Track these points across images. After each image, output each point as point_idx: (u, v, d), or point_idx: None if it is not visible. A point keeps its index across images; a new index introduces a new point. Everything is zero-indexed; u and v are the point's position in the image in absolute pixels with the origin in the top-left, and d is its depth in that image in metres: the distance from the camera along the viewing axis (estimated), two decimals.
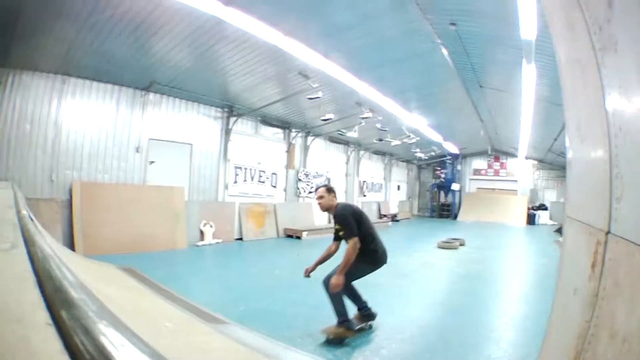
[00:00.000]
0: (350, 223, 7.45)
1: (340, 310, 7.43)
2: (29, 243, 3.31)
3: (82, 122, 15.72)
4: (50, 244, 3.96)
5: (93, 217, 15.04)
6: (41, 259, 2.91)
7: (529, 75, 15.03)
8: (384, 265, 8.03)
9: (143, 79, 16.78)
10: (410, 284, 12.73)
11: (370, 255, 7.72)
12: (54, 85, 14.72)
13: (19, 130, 14.20)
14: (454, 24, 13.41)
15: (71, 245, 14.17)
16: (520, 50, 12.96)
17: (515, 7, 10.21)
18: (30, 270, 2.59)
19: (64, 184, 15.12)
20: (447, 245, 20.23)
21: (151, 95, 17.92)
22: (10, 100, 13.95)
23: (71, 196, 15.00)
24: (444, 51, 15.67)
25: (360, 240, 7.39)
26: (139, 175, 17.61)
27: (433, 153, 36.35)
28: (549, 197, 40.55)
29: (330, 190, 7.86)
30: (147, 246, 15.95)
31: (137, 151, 17.50)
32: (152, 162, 17.80)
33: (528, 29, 11.10)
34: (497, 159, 41.41)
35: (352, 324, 7.59)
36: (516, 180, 41.32)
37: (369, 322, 8.28)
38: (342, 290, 7.41)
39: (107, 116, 16.52)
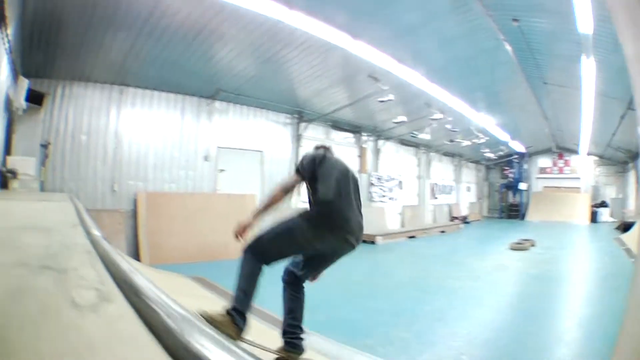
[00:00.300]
0: (299, 162, 4.92)
1: (240, 292, 4.34)
2: (124, 287, 2.64)
3: (145, 132, 15.03)
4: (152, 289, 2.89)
5: (159, 227, 14.31)
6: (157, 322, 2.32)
7: (588, 69, 14.38)
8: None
9: (208, 87, 16.03)
10: (485, 286, 11.82)
11: (313, 211, 4.61)
12: (110, 96, 14.10)
13: (74, 142, 13.49)
14: (516, 20, 12.89)
15: (136, 255, 13.51)
16: (579, 45, 12.46)
17: (571, 1, 9.90)
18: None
19: (127, 195, 14.47)
20: (518, 247, 18.90)
21: (217, 104, 17.08)
22: (62, 111, 13.19)
23: (136, 206, 14.37)
24: (508, 48, 14.99)
25: (309, 187, 4.77)
26: (209, 184, 16.78)
27: (501, 153, 34.55)
28: (609, 193, 38.05)
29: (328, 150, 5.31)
30: (216, 255, 14.66)
31: (206, 160, 16.65)
32: (222, 170, 16.88)
33: (585, 22, 10.80)
34: (560, 156, 39.27)
35: (242, 322, 4.22)
36: (579, 178, 39.00)
37: (288, 355, 4.49)
38: (255, 266, 4.46)
39: (172, 126, 15.82)
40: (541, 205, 38.14)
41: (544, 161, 40.11)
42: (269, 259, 4.49)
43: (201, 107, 16.62)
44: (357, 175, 4.87)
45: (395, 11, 12.08)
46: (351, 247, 4.63)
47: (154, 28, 11.22)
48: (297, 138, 19.92)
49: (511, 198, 41.07)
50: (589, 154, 34.75)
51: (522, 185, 39.32)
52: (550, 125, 28.20)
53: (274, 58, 14.25)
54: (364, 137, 23.90)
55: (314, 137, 20.54)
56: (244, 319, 4.21)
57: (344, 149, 22.65)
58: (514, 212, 40.20)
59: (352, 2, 11.46)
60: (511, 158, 38.15)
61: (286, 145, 19.68)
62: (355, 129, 23.24)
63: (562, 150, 37.71)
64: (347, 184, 4.68)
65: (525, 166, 39.64)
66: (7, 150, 10.79)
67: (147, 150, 15.11)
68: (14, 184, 9.44)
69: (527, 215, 38.41)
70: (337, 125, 22.11)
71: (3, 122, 9.98)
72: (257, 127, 18.73)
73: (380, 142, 25.24)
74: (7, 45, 8.47)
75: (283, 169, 19.07)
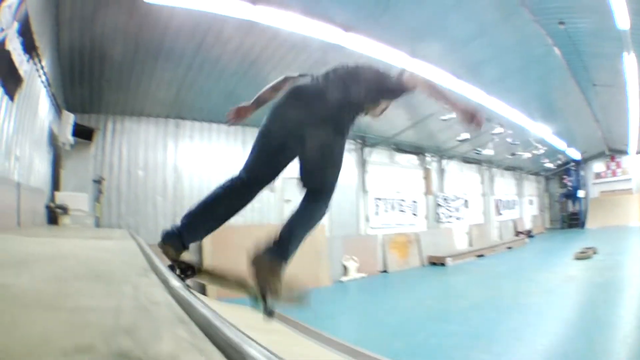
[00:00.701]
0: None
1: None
2: None
3: (206, 165, 14.12)
4: None
5: (226, 260, 12.79)
6: None
7: (630, 65, 13.96)
8: None
9: None
10: (557, 300, 11.22)
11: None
12: (166, 130, 13.52)
13: (130, 177, 12.83)
14: (562, 23, 12.29)
15: (202, 289, 12.28)
16: (620, 42, 12.11)
17: None
18: None
19: None
20: (582, 256, 18.08)
21: None
22: (114, 146, 12.63)
23: (200, 240, 12.14)
24: (557, 52, 14.40)
25: None
26: (275, 215, 15.68)
27: (559, 161, 32.75)
28: None
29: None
30: (287, 286, 12.58)
31: (272, 191, 15.14)
32: (288, 200, 15.65)
33: (622, 17, 10.56)
34: (612, 158, 36.30)
35: (180, 243, 3.25)
36: (630, 179, 35.70)
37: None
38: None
39: (233, 158, 14.59)
40: (599, 211, 35.63)
41: (598, 166, 37.23)
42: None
43: None
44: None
45: (448, 25, 11.55)
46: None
47: (205, 59, 10.59)
48: (362, 163, 18.74)
49: (571, 207, 38.60)
50: (638, 152, 32.60)
51: (580, 193, 36.98)
52: (601, 128, 26.61)
53: None
54: (428, 159, 22.63)
55: (378, 161, 19.55)
56: (180, 241, 3.26)
57: (409, 172, 21.49)
58: (574, 220, 37.74)
59: (407, 19, 10.70)
60: (569, 166, 35.93)
61: (351, 171, 18.42)
62: (418, 150, 22.00)
63: (614, 152, 35.19)
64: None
65: (582, 173, 37.28)
66: (55, 186, 9.98)
67: (209, 184, 13.59)
68: (64, 220, 8.68)
69: (587, 223, 36.00)
70: (401, 148, 20.90)
71: (48, 157, 9.36)
72: None
73: (444, 162, 23.93)
74: (43, 77, 7.80)
75: (350, 196, 18.08)
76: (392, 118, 16.92)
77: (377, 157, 19.42)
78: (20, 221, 5.93)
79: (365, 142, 18.71)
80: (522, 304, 10.43)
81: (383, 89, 3.55)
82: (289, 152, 3.34)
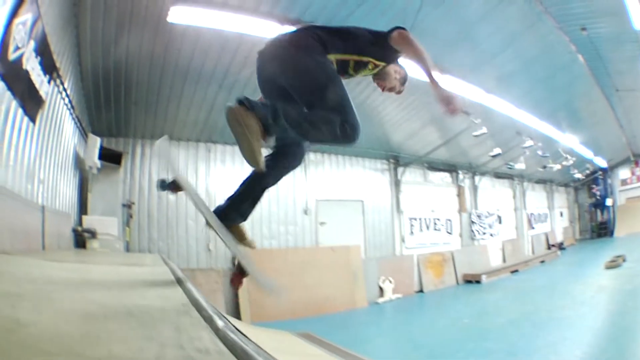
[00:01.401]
0: None
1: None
2: None
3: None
4: None
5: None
6: None
7: None
8: None
9: None
10: (590, 311, 11.03)
11: None
12: (197, 154, 13.28)
13: (161, 202, 12.52)
14: (584, 29, 11.91)
15: (236, 314, 12.56)
16: (638, 44, 12.05)
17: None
18: None
19: (225, 253, 13.18)
20: (612, 265, 17.78)
21: (312, 155, 15.75)
22: (144, 170, 12.37)
23: (234, 265, 11.82)
24: (581, 59, 13.92)
25: None
26: (310, 238, 15.36)
27: (587, 171, 32.05)
28: None
29: None
30: (323, 309, 13.75)
31: (306, 213, 15.26)
32: (323, 223, 15.55)
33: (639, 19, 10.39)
34: (636, 164, 34.88)
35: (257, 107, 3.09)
36: None
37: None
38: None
39: None
40: (626, 218, 34.40)
41: (624, 172, 35.84)
42: None
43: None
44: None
45: (475, 38, 11.33)
46: None
47: (235, 81, 10.22)
48: (396, 183, 18.37)
49: (599, 216, 37.46)
50: None
51: (608, 201, 35.95)
52: (625, 134, 26.03)
53: (366, 103, 13.14)
54: (461, 176, 22.19)
55: (412, 180, 19.21)
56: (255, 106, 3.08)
57: (443, 190, 21.05)
58: (602, 229, 36.66)
59: (435, 34, 10.35)
60: (596, 175, 35.15)
61: (385, 191, 18.14)
62: (451, 168, 21.60)
63: (638, 157, 33.97)
64: None
65: (609, 181, 36.12)
66: (83, 210, 9.76)
67: None
68: (93, 244, 8.37)
69: (616, 231, 34.85)
70: (433, 166, 20.48)
71: (75, 181, 9.13)
72: (354, 176, 17.27)
73: (477, 178, 23.45)
74: (66, 99, 7.56)
75: (385, 217, 17.72)
76: (424, 136, 16.66)
77: (411, 176, 19.07)
78: (46, 244, 5.66)
79: (399, 161, 18.34)
80: (557, 317, 10.31)
81: (367, 40, 3.46)
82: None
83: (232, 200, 3.75)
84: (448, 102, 3.23)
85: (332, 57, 3.29)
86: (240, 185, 3.77)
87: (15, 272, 2.87)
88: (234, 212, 3.70)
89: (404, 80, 4.10)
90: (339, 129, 3.08)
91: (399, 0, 9.02)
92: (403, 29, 3.48)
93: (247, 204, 3.76)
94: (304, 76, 3.13)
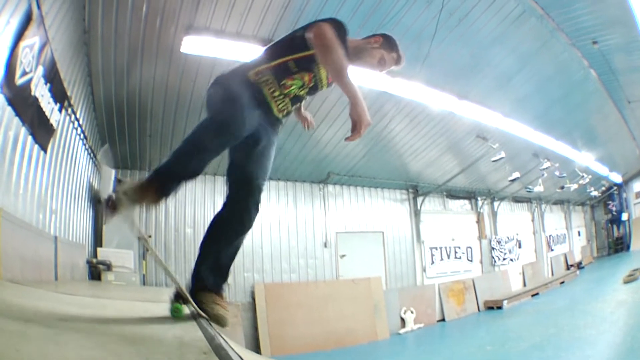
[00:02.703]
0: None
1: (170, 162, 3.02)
2: None
3: (256, 222, 12.44)
4: None
5: (280, 318, 13.16)
6: None
7: None
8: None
9: (319, 172, 14.85)
10: (611, 328, 10.96)
11: None
12: (214, 187, 13.09)
13: (178, 235, 12.37)
14: (595, 42, 11.71)
15: (256, 347, 12.42)
16: None
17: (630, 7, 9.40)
18: None
19: (244, 287, 13.25)
20: (629, 279, 17.77)
21: (330, 187, 15.70)
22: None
23: (253, 298, 13.19)
24: (594, 74, 13.70)
25: None
26: (330, 271, 15.15)
27: (603, 187, 31.92)
28: None
29: None
30: (344, 341, 13.61)
31: (326, 246, 15.03)
32: (343, 255, 15.39)
33: None
34: None
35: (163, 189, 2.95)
36: None
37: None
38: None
39: (285, 214, 14.57)
40: None
41: (638, 185, 35.23)
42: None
43: (314, 192, 15.25)
44: None
45: (490, 61, 11.22)
46: None
47: None
48: (416, 213, 18.21)
49: (616, 232, 36.79)
50: None
51: (624, 216, 35.30)
52: (638, 145, 25.61)
53: (383, 133, 13.19)
54: (480, 202, 21.98)
55: (432, 209, 19.01)
56: (164, 186, 2.96)
57: (462, 217, 20.84)
58: (619, 245, 36.02)
59: (451, 59, 10.39)
60: (612, 191, 34.86)
61: (405, 222, 17.95)
62: (470, 195, 21.41)
63: None
64: None
65: (624, 195, 35.62)
66: (98, 242, 9.66)
67: (262, 241, 13.90)
68: (108, 276, 8.26)
69: (632, 245, 34.15)
70: (452, 194, 20.36)
71: (89, 213, 9.02)
72: (374, 208, 17.07)
73: (496, 203, 23.25)
74: (79, 130, 7.47)
75: (405, 247, 17.53)
76: (442, 164, 16.62)
77: (430, 205, 18.93)
78: (59, 275, 5.54)
79: (418, 191, 18.23)
80: (579, 337, 10.30)
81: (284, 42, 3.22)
82: None
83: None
84: (360, 119, 2.97)
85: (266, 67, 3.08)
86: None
87: (25, 305, 2.63)
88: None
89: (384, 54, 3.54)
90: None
91: (414, 27, 8.91)
92: (326, 21, 3.02)
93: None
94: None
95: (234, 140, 2.98)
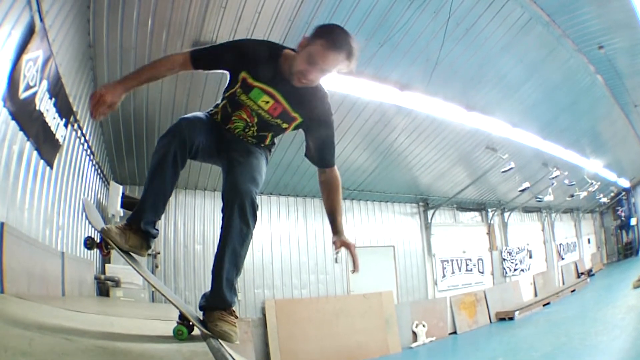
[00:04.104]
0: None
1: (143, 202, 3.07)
2: None
3: (267, 238, 13.77)
4: None
5: (291, 333, 13.07)
6: None
7: None
8: None
9: None
10: (621, 334, 11.15)
11: None
12: None
13: (187, 251, 12.32)
14: (601, 47, 11.71)
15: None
16: None
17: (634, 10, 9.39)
18: None
19: (254, 303, 13.19)
20: (639, 284, 17.84)
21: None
22: (169, 220, 12.30)
23: (264, 315, 13.13)
24: (600, 80, 13.79)
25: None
26: (341, 286, 15.18)
27: (612, 194, 32.00)
28: None
29: None
30: (356, 356, 13.60)
31: (336, 262, 14.89)
32: (354, 271, 13.94)
33: None
34: None
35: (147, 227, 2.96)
36: None
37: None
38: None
39: (295, 230, 14.53)
40: None
41: None
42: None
43: (324, 208, 14.59)
44: None
45: (498, 71, 11.23)
46: None
47: None
48: (427, 227, 18.19)
49: (625, 237, 36.58)
50: None
51: (633, 221, 34.88)
52: None
53: (393, 147, 13.20)
54: (490, 213, 21.90)
55: (442, 222, 19.01)
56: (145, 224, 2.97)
57: (473, 230, 20.78)
58: (628, 250, 35.75)
59: (459, 70, 10.45)
60: (620, 197, 34.75)
61: (416, 235, 17.94)
62: (480, 207, 21.34)
63: None
64: None
65: (632, 200, 35.39)
66: (106, 258, 9.35)
67: (272, 257, 13.83)
68: (116, 293, 8.20)
69: None
70: (463, 206, 20.30)
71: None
72: (384, 222, 17.04)
73: (506, 214, 23.15)
74: (85, 145, 7.40)
75: (417, 261, 17.53)
76: (452, 177, 16.71)
77: (441, 218, 18.92)
78: (66, 291, 5.45)
79: (428, 204, 18.18)
80: (591, 345, 10.44)
81: None
82: None
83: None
84: (350, 244, 3.16)
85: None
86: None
87: (30, 321, 2.54)
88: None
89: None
90: None
91: (421, 39, 8.87)
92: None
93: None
94: None
95: (179, 137, 2.82)
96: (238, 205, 2.70)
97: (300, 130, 3.15)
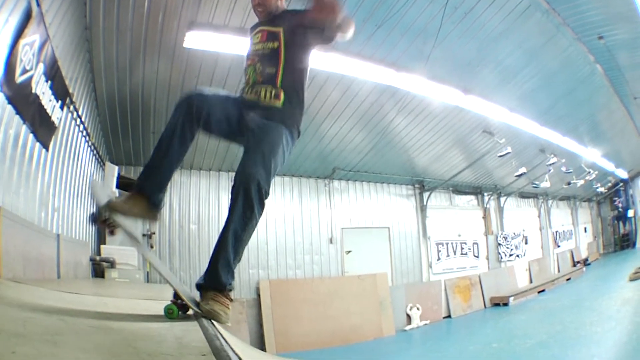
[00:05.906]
0: None
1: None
2: None
3: (262, 218, 12.57)
4: None
5: (285, 314, 13.10)
6: None
7: None
8: None
9: (324, 167, 14.75)
10: (617, 326, 11.15)
11: None
12: (219, 183, 13.07)
13: (182, 231, 12.33)
14: (601, 37, 11.70)
15: (261, 344, 12.39)
16: None
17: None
18: None
19: (249, 284, 13.17)
20: (635, 276, 18.15)
21: (336, 183, 15.59)
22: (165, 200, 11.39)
23: (258, 295, 13.14)
24: (600, 69, 13.83)
25: None
26: (336, 267, 15.08)
27: (609, 183, 32.37)
28: None
29: None
30: (350, 338, 13.53)
31: (331, 242, 14.98)
32: (349, 251, 15.31)
33: None
34: None
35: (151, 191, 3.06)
36: None
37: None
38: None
39: (290, 210, 14.50)
40: None
41: None
42: None
43: (319, 188, 15.10)
44: None
45: (496, 56, 11.20)
46: None
47: None
48: (422, 209, 18.12)
49: (622, 229, 36.72)
50: None
51: (630, 213, 35.14)
52: None
53: (389, 128, 13.20)
54: (486, 198, 21.86)
55: (438, 205, 18.97)
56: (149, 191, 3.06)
57: (468, 213, 20.76)
58: (625, 242, 35.92)
59: (458, 54, 10.43)
60: (618, 187, 34.77)
61: (412, 217, 17.92)
62: (476, 191, 21.27)
63: None
64: None
65: (630, 192, 35.32)
66: (101, 239, 9.56)
67: (267, 237, 13.79)
68: (111, 274, 8.14)
69: (638, 242, 34.33)
70: (459, 190, 20.22)
71: (92, 210, 8.87)
72: (380, 203, 17.01)
73: (502, 199, 23.08)
74: (81, 127, 7.42)
75: (412, 243, 17.45)
76: (449, 159, 16.74)
77: (436, 201, 18.88)
78: (61, 273, 5.51)
79: (424, 186, 18.13)
80: (585, 335, 10.56)
81: None
82: None
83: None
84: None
85: None
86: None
87: (25, 304, 2.63)
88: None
89: None
90: None
91: (418, 21, 8.84)
92: None
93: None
94: None
95: (185, 104, 3.08)
96: (244, 188, 2.82)
97: None
